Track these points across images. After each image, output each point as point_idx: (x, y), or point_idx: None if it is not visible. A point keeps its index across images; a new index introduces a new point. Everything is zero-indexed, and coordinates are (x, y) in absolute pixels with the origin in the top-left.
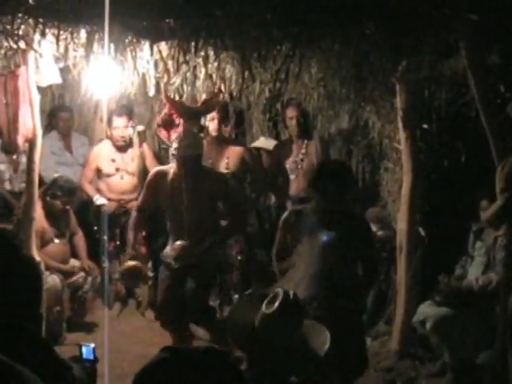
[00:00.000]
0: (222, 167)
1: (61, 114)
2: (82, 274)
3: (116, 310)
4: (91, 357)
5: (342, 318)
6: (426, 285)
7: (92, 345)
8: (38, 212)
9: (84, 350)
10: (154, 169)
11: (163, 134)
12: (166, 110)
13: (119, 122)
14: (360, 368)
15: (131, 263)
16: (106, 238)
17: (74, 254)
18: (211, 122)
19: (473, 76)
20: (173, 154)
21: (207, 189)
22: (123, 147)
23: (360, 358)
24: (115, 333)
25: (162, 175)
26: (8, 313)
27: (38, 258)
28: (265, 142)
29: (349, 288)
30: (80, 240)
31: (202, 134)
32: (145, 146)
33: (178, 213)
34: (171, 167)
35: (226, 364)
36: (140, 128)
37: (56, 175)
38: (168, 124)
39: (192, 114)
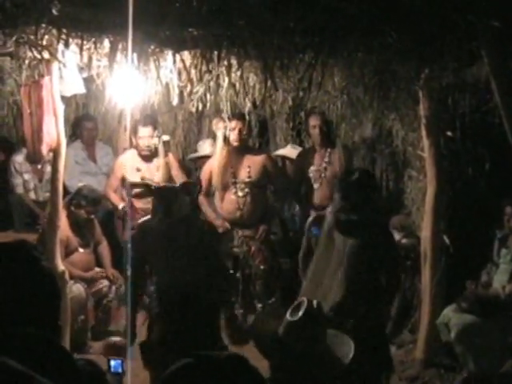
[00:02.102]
0: (244, 176)
1: (85, 123)
2: (107, 282)
3: (141, 319)
4: (119, 370)
5: (366, 327)
6: (450, 293)
7: (120, 358)
8: (63, 221)
9: (112, 363)
10: None
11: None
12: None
13: (145, 131)
14: (385, 375)
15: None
16: (130, 246)
17: (99, 263)
18: (232, 132)
19: (496, 82)
20: None
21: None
22: (148, 157)
23: (385, 367)
24: (139, 341)
25: None
26: (26, 325)
27: (62, 268)
28: (291, 151)
29: (371, 296)
30: (104, 249)
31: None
32: (170, 155)
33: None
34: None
35: (249, 370)
36: (165, 138)
37: (80, 185)
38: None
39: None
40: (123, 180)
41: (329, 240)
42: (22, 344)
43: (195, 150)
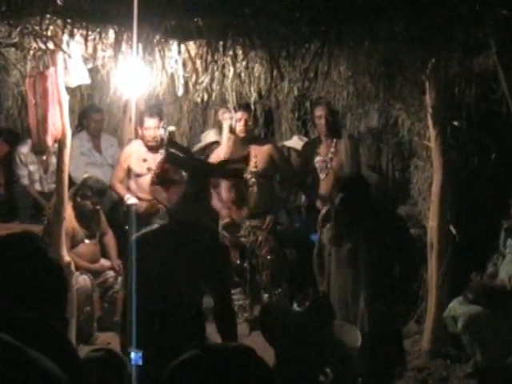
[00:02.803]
0: (250, 166)
1: (92, 114)
2: (113, 273)
3: None
4: (139, 362)
5: (381, 319)
6: (457, 283)
7: (141, 351)
8: (68, 212)
9: (133, 355)
10: None
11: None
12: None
13: (151, 122)
14: (399, 370)
15: None
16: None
17: (105, 254)
18: (238, 123)
19: (503, 72)
20: None
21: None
22: (154, 147)
23: (398, 361)
24: None
25: None
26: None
27: (68, 259)
28: (297, 142)
29: (387, 289)
30: (110, 240)
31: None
32: None
33: None
34: None
35: (256, 361)
36: (171, 128)
37: (86, 176)
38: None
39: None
40: (129, 170)
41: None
42: (22, 327)
43: (200, 141)
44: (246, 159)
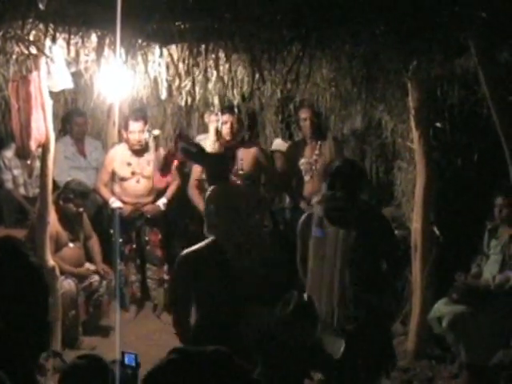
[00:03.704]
0: (237, 169)
1: (75, 118)
2: (97, 277)
3: (132, 313)
4: (133, 363)
5: (370, 316)
6: (441, 284)
7: (134, 352)
8: (52, 216)
9: (126, 357)
10: None
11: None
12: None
13: (135, 126)
14: (388, 365)
15: None
16: (121, 241)
17: (90, 258)
18: (224, 126)
19: (484, 74)
20: None
21: None
22: (139, 151)
23: (387, 355)
24: (132, 336)
25: None
26: (15, 320)
27: (52, 263)
28: (282, 144)
29: (373, 285)
30: (95, 244)
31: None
32: (161, 149)
33: None
34: None
35: (234, 365)
36: (156, 132)
37: (68, 179)
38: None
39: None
40: (113, 174)
41: (322, 232)
42: None
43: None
44: None
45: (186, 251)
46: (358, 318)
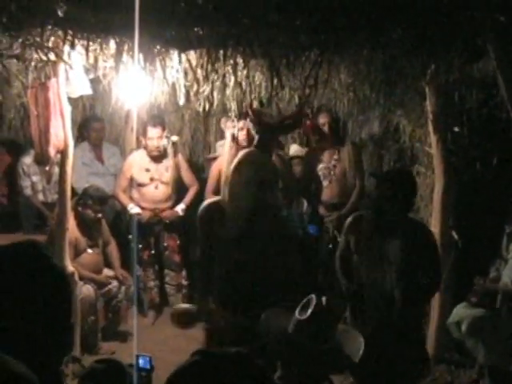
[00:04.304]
0: None
1: (93, 124)
2: (116, 283)
3: (150, 319)
4: (147, 366)
5: (405, 325)
6: (460, 288)
7: (148, 355)
8: (71, 222)
9: (141, 359)
10: None
11: None
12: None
13: (154, 132)
14: (423, 370)
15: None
16: (139, 246)
17: (108, 264)
18: (240, 132)
19: (502, 77)
20: None
21: None
22: (158, 157)
23: (422, 361)
24: (150, 341)
25: None
26: (38, 323)
27: (71, 269)
28: (299, 149)
29: (411, 294)
30: (113, 249)
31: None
32: (180, 156)
33: None
34: None
35: (255, 367)
36: (174, 138)
37: (87, 185)
38: None
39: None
40: (132, 180)
41: (369, 241)
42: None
43: (209, 151)
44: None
45: (208, 201)
46: (396, 327)
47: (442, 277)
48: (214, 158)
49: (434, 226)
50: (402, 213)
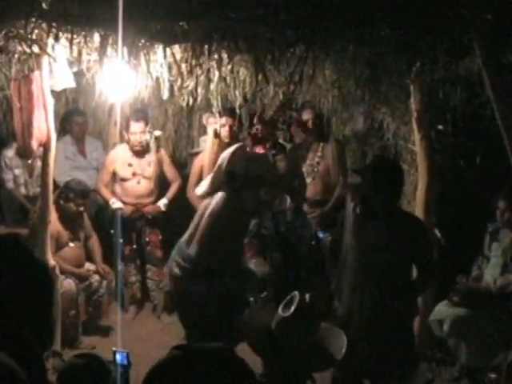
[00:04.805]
0: None
1: (75, 118)
2: (98, 277)
3: (132, 314)
4: (125, 362)
5: (395, 320)
6: (442, 286)
7: (126, 351)
8: (53, 216)
9: (118, 355)
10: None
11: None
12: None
13: (136, 127)
14: (410, 369)
15: None
16: (121, 241)
17: (90, 258)
18: (223, 128)
19: (488, 76)
20: None
21: None
22: (140, 152)
23: (410, 360)
24: (131, 336)
25: None
26: (18, 316)
27: (53, 262)
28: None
29: (401, 290)
30: (95, 243)
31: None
32: (162, 151)
33: None
34: None
35: (237, 362)
36: (157, 133)
37: (69, 179)
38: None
39: None
40: (114, 174)
41: (357, 230)
42: None
43: (192, 146)
44: None
45: None
46: (383, 322)
47: (434, 268)
48: (197, 153)
49: None
50: (388, 202)
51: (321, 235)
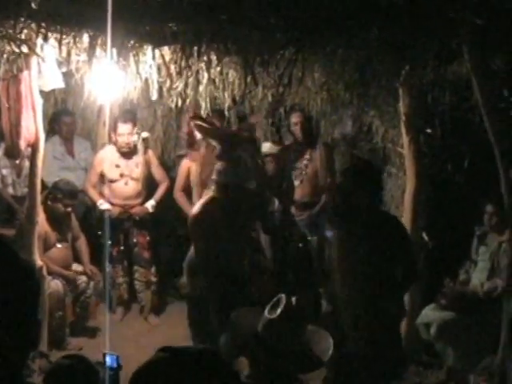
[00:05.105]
0: None
1: (63, 118)
2: (85, 278)
3: (119, 315)
4: (115, 365)
5: (382, 321)
6: (429, 290)
7: (116, 354)
8: (41, 216)
9: (108, 358)
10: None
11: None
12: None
13: (124, 128)
14: (398, 369)
15: None
16: (109, 242)
17: (77, 259)
18: None
19: (476, 80)
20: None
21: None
22: (128, 153)
23: (399, 360)
24: (118, 337)
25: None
26: (5, 317)
27: (40, 263)
28: (271, 147)
29: (386, 289)
30: (83, 244)
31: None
32: (150, 152)
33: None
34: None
35: (222, 364)
36: (145, 135)
37: (57, 179)
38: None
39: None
40: (102, 176)
41: (341, 232)
42: None
43: (181, 148)
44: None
45: None
46: (370, 324)
47: (417, 269)
48: (185, 155)
49: None
50: (365, 201)
51: (328, 234)
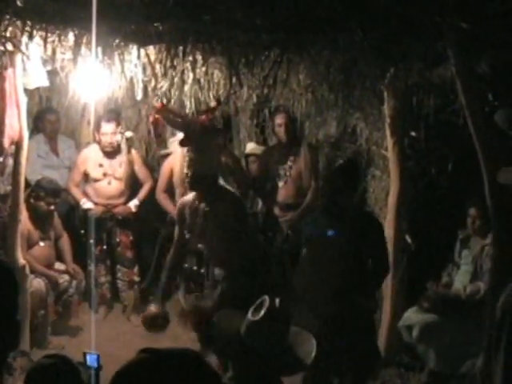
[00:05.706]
0: None
1: (47, 116)
2: (67, 277)
3: (101, 314)
4: (95, 364)
5: (357, 316)
6: (412, 292)
7: (96, 353)
8: (24, 214)
9: (88, 357)
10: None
11: None
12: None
13: (108, 127)
14: (373, 365)
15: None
16: (92, 241)
17: (60, 257)
18: None
19: (461, 84)
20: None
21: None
22: (111, 153)
23: (374, 356)
24: (100, 337)
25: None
26: None
27: (23, 261)
28: (255, 148)
29: (361, 285)
30: (65, 243)
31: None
32: (133, 152)
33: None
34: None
35: (203, 366)
36: (128, 134)
37: (40, 177)
38: None
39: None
40: (85, 175)
41: (317, 230)
42: None
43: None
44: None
45: None
46: (345, 318)
47: (389, 263)
48: (167, 155)
49: (388, 230)
50: (346, 200)
51: (330, 233)
